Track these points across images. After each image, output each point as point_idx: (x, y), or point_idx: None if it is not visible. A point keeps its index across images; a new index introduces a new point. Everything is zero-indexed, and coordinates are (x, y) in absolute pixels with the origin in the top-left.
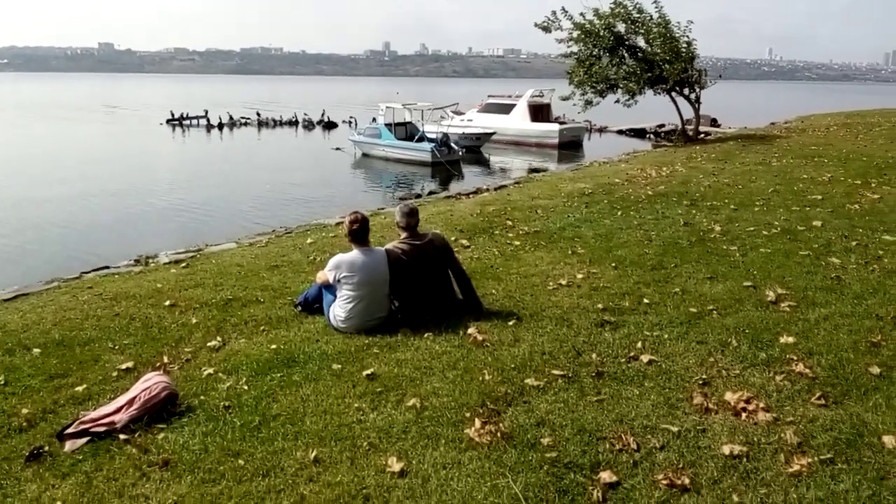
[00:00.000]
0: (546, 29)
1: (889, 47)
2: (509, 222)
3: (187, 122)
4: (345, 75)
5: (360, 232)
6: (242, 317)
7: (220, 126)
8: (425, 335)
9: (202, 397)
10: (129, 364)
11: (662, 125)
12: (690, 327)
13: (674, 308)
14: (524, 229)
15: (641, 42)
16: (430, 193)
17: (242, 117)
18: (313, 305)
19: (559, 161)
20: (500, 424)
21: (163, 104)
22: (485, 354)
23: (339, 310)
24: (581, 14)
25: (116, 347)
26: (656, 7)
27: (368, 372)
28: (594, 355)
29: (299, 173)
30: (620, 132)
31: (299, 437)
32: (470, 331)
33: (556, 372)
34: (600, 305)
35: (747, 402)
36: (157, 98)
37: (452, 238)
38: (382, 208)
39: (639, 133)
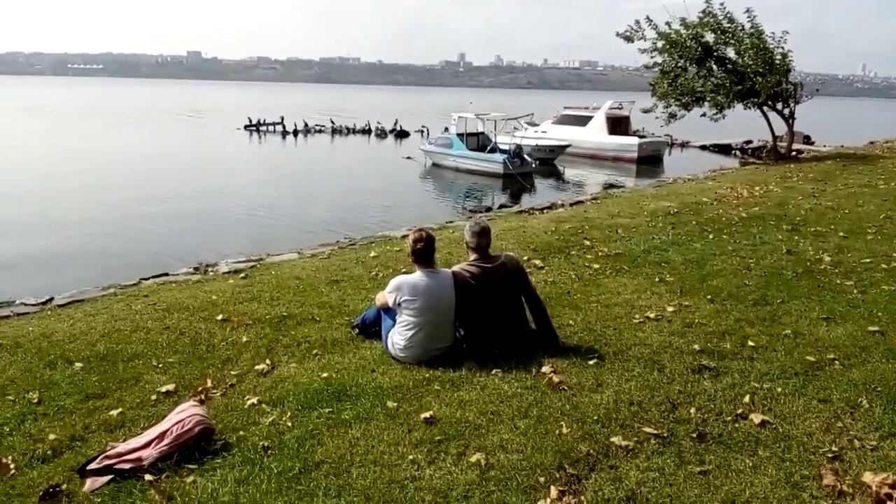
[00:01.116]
0: (629, 38)
1: None
2: (587, 242)
3: (264, 128)
4: (420, 85)
5: (424, 252)
6: (296, 337)
7: (295, 133)
8: (493, 371)
9: (241, 432)
10: (171, 387)
11: (749, 141)
12: (809, 380)
13: (786, 354)
14: (604, 251)
15: (731, 53)
16: (501, 207)
17: (317, 125)
18: (371, 328)
19: (638, 176)
20: (582, 496)
21: (244, 110)
22: (562, 401)
23: (398, 337)
24: (667, 23)
25: (160, 366)
26: (749, 17)
27: (427, 414)
28: (693, 410)
29: (368, 181)
30: (703, 147)
31: (343, 493)
32: (545, 370)
33: (647, 430)
34: (696, 346)
35: (893, 486)
36: (240, 104)
37: (525, 258)
38: (451, 221)
39: (723, 149)
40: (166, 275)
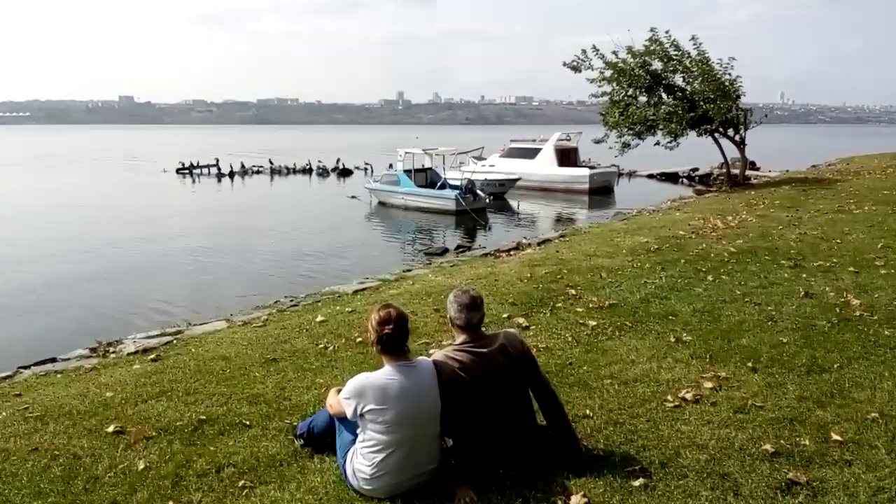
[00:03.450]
0: (576, 68)
1: None
2: (571, 290)
3: (198, 170)
4: (359, 124)
5: (394, 339)
6: (215, 456)
7: (232, 174)
8: None
9: None
10: None
11: (696, 169)
12: None
13: (891, 453)
14: (594, 301)
15: (680, 80)
16: (460, 248)
17: (255, 165)
18: (325, 439)
19: (591, 208)
20: None
21: (177, 154)
22: None
23: (362, 461)
24: (613, 52)
25: None
26: (694, 44)
27: None
28: None
29: (310, 225)
30: (651, 176)
31: None
32: (575, 501)
33: None
34: (767, 446)
35: None
36: (174, 148)
37: (504, 315)
38: (409, 270)
39: (670, 177)
40: (53, 360)
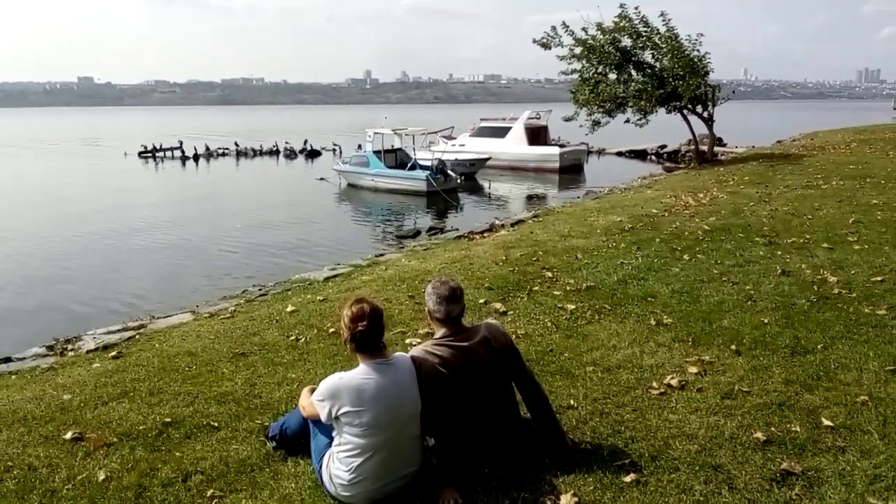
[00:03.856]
0: (545, 45)
1: (861, 65)
2: (548, 273)
3: (160, 153)
4: (327, 104)
5: (369, 335)
6: (182, 463)
7: (196, 158)
8: None
9: None
10: None
11: (664, 146)
12: None
13: (883, 438)
14: (570, 283)
15: (649, 57)
16: (432, 231)
17: (220, 148)
18: (299, 441)
19: (561, 187)
20: None
21: (139, 137)
22: None
23: (339, 466)
24: (583, 29)
25: None
26: (663, 20)
27: None
28: None
29: (278, 210)
30: (620, 154)
31: None
32: (565, 501)
33: None
34: (759, 434)
35: None
36: (135, 130)
37: (481, 301)
38: (381, 255)
39: (639, 154)
40: (7, 360)
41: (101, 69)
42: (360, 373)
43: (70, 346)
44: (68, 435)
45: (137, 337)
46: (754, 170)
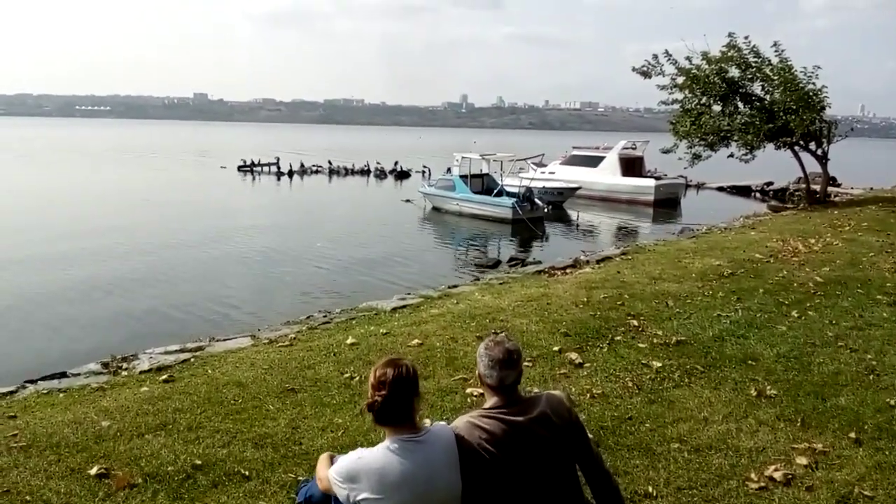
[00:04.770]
0: (646, 74)
1: None
2: (633, 321)
3: (258, 168)
4: (423, 126)
5: (389, 408)
6: None
7: (291, 174)
8: None
9: None
10: None
11: (770, 183)
12: None
13: None
14: (658, 335)
15: (759, 89)
16: (512, 261)
17: (314, 165)
18: None
19: (655, 221)
20: None
21: (245, 151)
22: None
23: None
24: (687, 58)
25: None
26: (776, 51)
27: None
28: None
29: (359, 229)
30: (721, 189)
31: None
32: None
33: None
34: None
35: None
36: (241, 145)
37: (555, 347)
38: (455, 286)
39: (742, 191)
40: (63, 375)
41: (215, 86)
42: (383, 452)
43: (125, 365)
44: (94, 470)
45: (192, 360)
46: (873, 215)
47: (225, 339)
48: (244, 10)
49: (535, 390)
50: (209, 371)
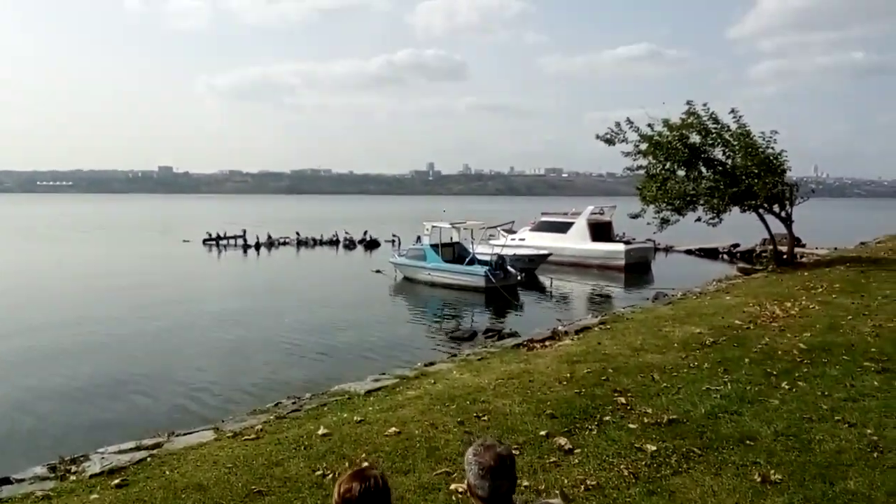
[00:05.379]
0: (609, 141)
1: None
2: (620, 398)
3: (224, 241)
4: (390, 194)
5: None
6: None
7: (258, 246)
8: None
9: None
10: None
11: (736, 245)
12: None
13: None
14: (649, 413)
15: (720, 154)
16: (489, 333)
17: (282, 237)
18: None
19: (627, 285)
20: None
21: (209, 224)
22: None
23: None
24: (649, 125)
25: None
26: (734, 117)
27: None
28: None
29: (330, 302)
30: (689, 252)
31: None
32: None
33: None
34: None
35: None
36: (206, 218)
37: (542, 432)
38: (431, 363)
39: (710, 253)
40: (6, 482)
41: (180, 159)
42: None
43: (73, 468)
44: None
45: (149, 459)
46: (843, 275)
47: (186, 433)
48: (209, 82)
49: (526, 483)
50: (167, 472)
